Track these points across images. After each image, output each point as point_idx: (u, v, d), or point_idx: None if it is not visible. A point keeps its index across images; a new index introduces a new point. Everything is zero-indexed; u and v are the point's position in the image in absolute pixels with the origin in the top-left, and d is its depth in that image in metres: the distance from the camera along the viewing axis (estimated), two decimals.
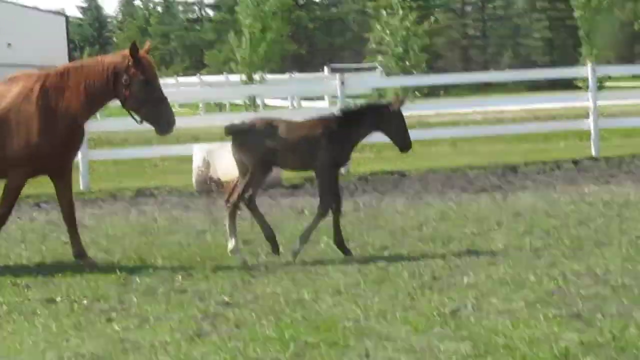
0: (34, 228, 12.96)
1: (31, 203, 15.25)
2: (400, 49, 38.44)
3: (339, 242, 9.88)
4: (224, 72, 50.59)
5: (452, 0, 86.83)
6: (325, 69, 46.53)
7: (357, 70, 45.45)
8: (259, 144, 9.87)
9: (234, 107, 42.20)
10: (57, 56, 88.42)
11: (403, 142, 10.23)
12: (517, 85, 60.46)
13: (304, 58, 79.19)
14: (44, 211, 14.58)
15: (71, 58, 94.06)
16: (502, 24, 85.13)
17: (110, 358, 6.53)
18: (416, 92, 36.36)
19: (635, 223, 11.09)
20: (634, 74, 51.08)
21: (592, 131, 19.10)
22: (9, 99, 9.83)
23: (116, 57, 10.12)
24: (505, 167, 17.54)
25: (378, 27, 42.74)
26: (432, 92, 43.95)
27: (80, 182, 16.75)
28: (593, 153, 18.84)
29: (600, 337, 6.41)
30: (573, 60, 71.30)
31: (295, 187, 16.14)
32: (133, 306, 7.98)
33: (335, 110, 10.96)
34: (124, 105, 10.13)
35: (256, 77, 38.09)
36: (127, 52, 9.95)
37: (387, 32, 40.87)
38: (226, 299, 8.10)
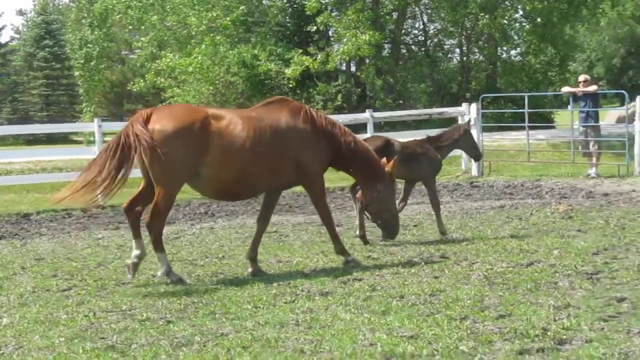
0: None
1: None
2: None
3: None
4: None
5: None
6: None
7: None
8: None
9: None
10: None
11: (477, 153, 15.02)
12: (16, 138, 59.48)
13: None
14: None
15: None
16: (1, 81, 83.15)
17: None
18: None
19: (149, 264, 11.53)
20: None
21: None
22: (285, 118, 10.37)
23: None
24: (18, 216, 17.31)
25: None
26: None
27: None
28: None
29: None
30: (69, 116, 71.71)
31: None
32: None
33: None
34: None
35: None
36: (384, 163, 11.25)
37: None
38: None
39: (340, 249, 10.85)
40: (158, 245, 9.89)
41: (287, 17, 43.16)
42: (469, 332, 7.29)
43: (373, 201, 11.11)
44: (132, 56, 66.90)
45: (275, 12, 41.75)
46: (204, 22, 37.28)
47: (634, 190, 18.24)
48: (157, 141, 9.53)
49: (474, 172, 22.98)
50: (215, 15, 37.22)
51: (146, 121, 9.72)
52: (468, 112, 23.58)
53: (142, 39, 43.99)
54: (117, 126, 17.87)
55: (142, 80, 42.94)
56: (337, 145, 10.66)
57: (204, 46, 36.52)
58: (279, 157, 10.25)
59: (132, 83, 46.27)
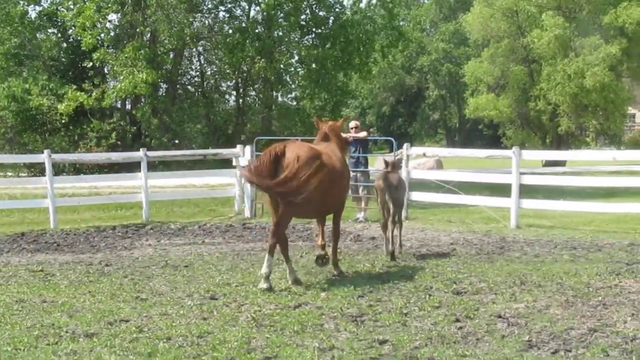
0: None
1: None
2: None
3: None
4: None
5: None
6: None
7: None
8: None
9: None
10: None
11: None
12: None
13: None
14: None
15: None
16: None
17: None
18: None
19: None
20: None
21: None
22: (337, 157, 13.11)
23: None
24: None
25: None
26: None
27: None
28: None
29: None
30: None
31: None
32: None
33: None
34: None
35: None
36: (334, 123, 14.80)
37: None
38: None
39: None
40: (271, 250, 12.04)
41: (62, 52, 42.23)
42: None
43: None
44: None
45: (49, 46, 40.78)
46: None
47: None
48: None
49: (247, 213, 23.11)
50: None
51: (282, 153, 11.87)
52: (243, 154, 23.73)
53: None
54: None
55: None
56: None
57: None
58: (341, 183, 13.08)
59: None
